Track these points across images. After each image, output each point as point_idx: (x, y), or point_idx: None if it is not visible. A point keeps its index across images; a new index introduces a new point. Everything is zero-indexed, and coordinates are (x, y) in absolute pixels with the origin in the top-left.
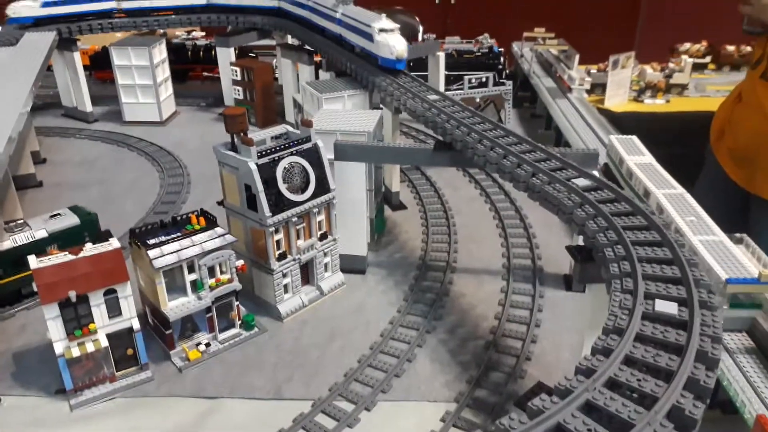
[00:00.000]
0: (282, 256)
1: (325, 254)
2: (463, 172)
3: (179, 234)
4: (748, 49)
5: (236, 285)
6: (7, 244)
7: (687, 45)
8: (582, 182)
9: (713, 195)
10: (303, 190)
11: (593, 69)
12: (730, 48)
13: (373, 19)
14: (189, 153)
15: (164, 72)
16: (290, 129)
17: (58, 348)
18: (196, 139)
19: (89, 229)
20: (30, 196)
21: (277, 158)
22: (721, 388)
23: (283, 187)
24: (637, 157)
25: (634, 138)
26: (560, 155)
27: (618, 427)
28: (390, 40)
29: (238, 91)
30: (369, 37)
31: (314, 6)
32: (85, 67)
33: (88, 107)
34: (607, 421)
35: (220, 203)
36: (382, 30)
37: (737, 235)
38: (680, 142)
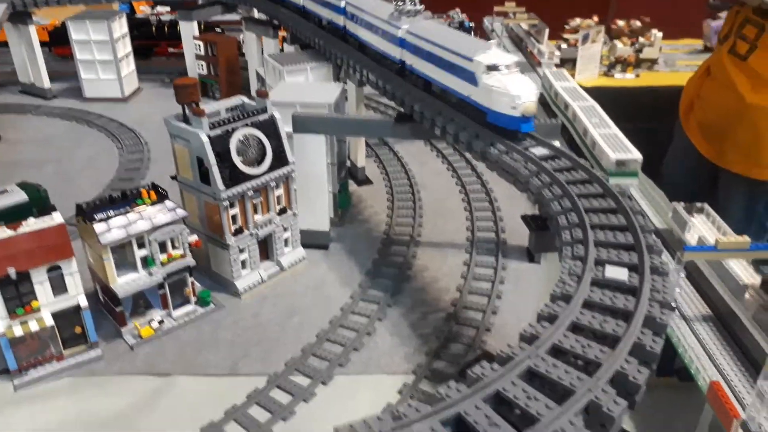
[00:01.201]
0: (238, 231)
1: (285, 229)
2: (431, 146)
3: (128, 209)
4: (638, 24)
5: (189, 261)
6: None
7: (578, 20)
8: (539, 151)
9: (682, 169)
10: (259, 162)
11: (563, 44)
12: (621, 23)
13: (474, 49)
14: (151, 130)
15: (125, 47)
16: (246, 100)
17: None
18: (159, 116)
19: (39, 205)
20: None
21: (230, 130)
22: (676, 357)
23: (237, 159)
24: (563, 83)
25: (564, 70)
26: None
27: (559, 394)
28: (510, 85)
29: (202, 65)
30: (468, 76)
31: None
32: (45, 43)
33: (46, 83)
34: (548, 389)
35: (174, 178)
36: (492, 68)
37: (697, 204)
38: (650, 117)
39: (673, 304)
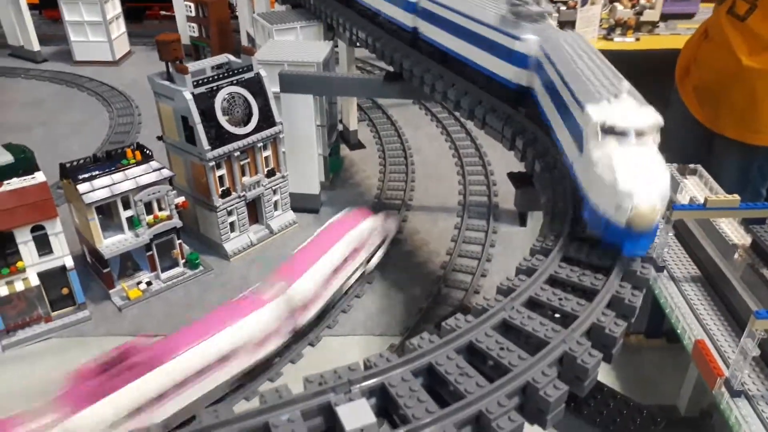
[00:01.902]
0: (225, 193)
1: (274, 192)
2: (425, 110)
3: (112, 169)
4: None
5: (176, 222)
6: None
7: None
8: (527, 111)
9: (678, 134)
10: (245, 122)
11: (562, 6)
12: None
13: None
14: (142, 93)
15: (115, 8)
16: (233, 59)
17: None
18: None
19: (24, 167)
20: None
21: (215, 88)
22: (665, 318)
23: (222, 119)
24: None
25: None
26: None
27: (534, 346)
28: (622, 169)
29: (193, 27)
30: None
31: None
32: (35, 6)
33: (36, 46)
34: (523, 341)
35: (160, 138)
36: (611, 131)
37: (691, 166)
38: (649, 82)
39: (660, 264)
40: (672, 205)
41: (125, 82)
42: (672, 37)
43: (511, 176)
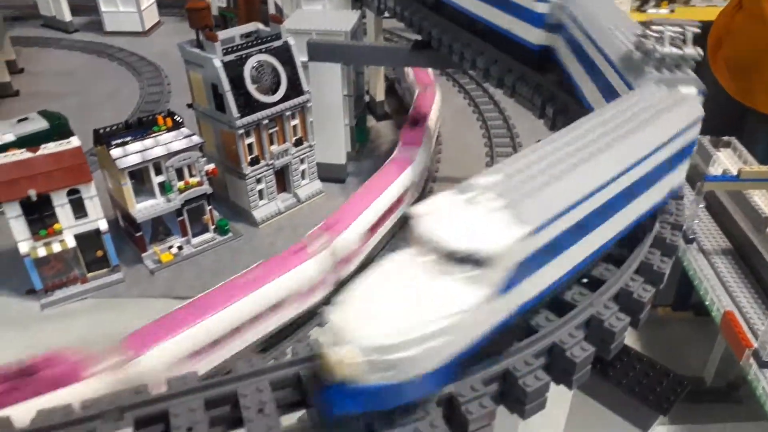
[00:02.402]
0: (254, 161)
1: (302, 161)
2: (453, 81)
3: (144, 135)
4: None
5: (206, 188)
6: None
7: None
8: (554, 77)
9: (708, 107)
10: (274, 91)
11: None
12: None
13: None
14: (171, 63)
15: None
16: (261, 26)
17: (23, 248)
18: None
19: (59, 133)
20: (6, 106)
21: (244, 56)
22: (694, 291)
23: (251, 87)
24: None
25: None
26: None
27: (562, 310)
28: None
29: None
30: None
31: None
32: None
33: (67, 16)
34: (552, 303)
35: (190, 106)
36: None
37: (725, 138)
38: None
39: (690, 236)
40: (704, 177)
41: (154, 52)
42: (708, 9)
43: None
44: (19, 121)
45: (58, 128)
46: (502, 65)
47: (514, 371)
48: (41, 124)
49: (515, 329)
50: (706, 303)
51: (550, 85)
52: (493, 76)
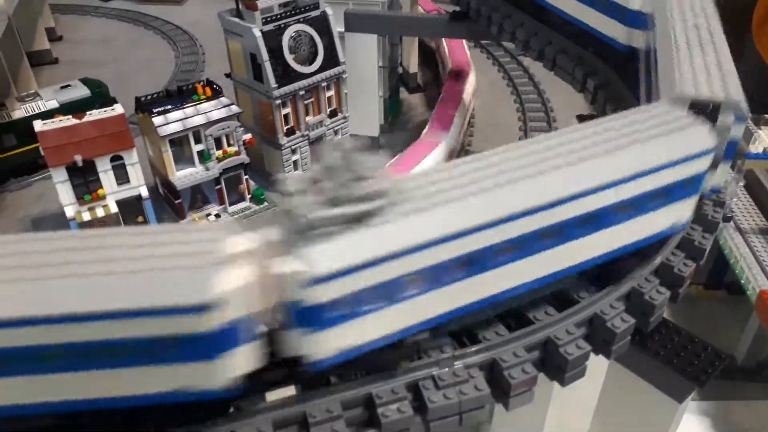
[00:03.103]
0: (290, 132)
1: (336, 132)
2: (487, 54)
3: (185, 103)
4: None
5: (244, 158)
6: (19, 113)
7: None
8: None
9: (749, 87)
10: (311, 61)
11: None
12: None
13: None
14: (205, 32)
15: None
16: None
17: (69, 212)
18: (213, 19)
19: (100, 100)
20: (46, 73)
21: (282, 25)
22: (728, 270)
23: (289, 57)
24: None
25: None
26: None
27: (603, 282)
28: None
29: None
30: None
31: None
32: None
33: None
34: (595, 278)
35: (228, 75)
36: None
37: (766, 116)
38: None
39: (729, 214)
40: (744, 154)
41: (189, 21)
42: None
43: (581, 118)
44: (62, 87)
45: (99, 95)
46: (542, 37)
47: (555, 339)
48: (83, 92)
49: (551, 300)
50: (741, 282)
51: (591, 58)
52: (533, 48)
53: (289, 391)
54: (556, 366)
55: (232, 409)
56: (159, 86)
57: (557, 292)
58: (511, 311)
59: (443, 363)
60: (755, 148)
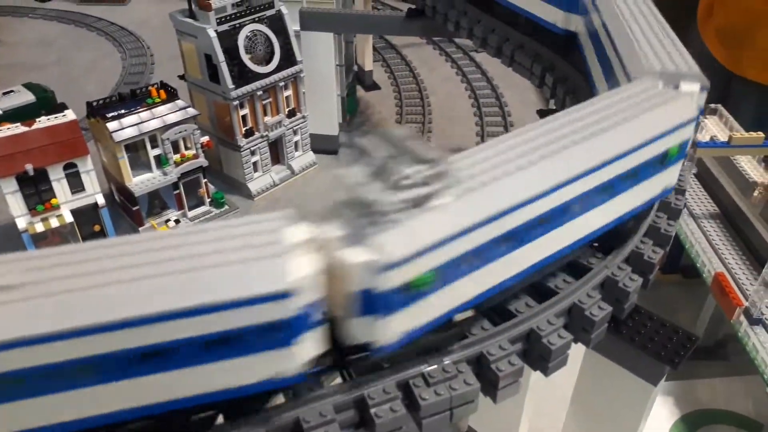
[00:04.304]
0: (249, 133)
1: (295, 132)
2: (440, 50)
3: (139, 107)
4: None
5: (202, 161)
6: None
7: None
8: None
9: None
10: (267, 61)
11: None
12: None
13: None
14: (152, 33)
15: None
16: None
17: (21, 223)
18: (159, 19)
19: (46, 106)
20: None
21: (237, 25)
22: (683, 255)
23: (245, 57)
24: None
25: None
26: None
27: (578, 271)
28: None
29: None
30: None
31: None
32: None
33: None
34: (569, 267)
35: (182, 77)
36: None
37: (711, 105)
38: (666, 20)
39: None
40: (696, 143)
41: (134, 22)
42: None
43: (541, 113)
44: (4, 94)
45: (45, 101)
46: (500, 34)
47: (538, 330)
48: (27, 97)
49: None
50: (697, 265)
51: (548, 53)
52: (491, 45)
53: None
54: (540, 356)
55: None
56: (106, 90)
57: (536, 284)
58: (493, 306)
59: (432, 360)
60: (702, 136)
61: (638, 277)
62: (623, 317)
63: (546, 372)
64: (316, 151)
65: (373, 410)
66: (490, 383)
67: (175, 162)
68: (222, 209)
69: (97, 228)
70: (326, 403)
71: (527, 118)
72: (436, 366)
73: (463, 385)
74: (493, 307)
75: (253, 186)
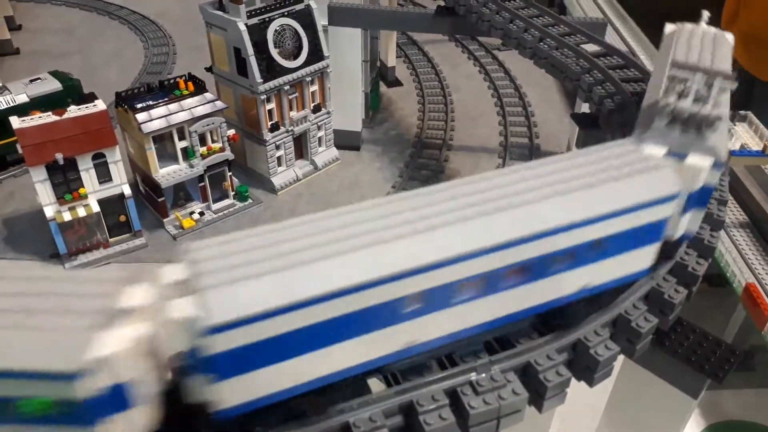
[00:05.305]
0: (274, 127)
1: (319, 128)
2: (462, 48)
3: (167, 99)
4: None
5: (228, 154)
6: None
7: None
8: (591, 48)
9: None
10: (295, 56)
11: None
12: None
13: None
14: (174, 23)
15: None
16: None
17: (49, 212)
18: (180, 8)
19: (72, 95)
20: (8, 64)
21: (267, 19)
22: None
23: (274, 51)
24: None
25: None
26: (570, 21)
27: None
28: None
29: None
30: None
31: None
32: None
33: None
34: None
35: (209, 69)
36: None
37: (741, 112)
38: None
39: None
40: (730, 152)
41: (155, 11)
42: None
43: (575, 117)
44: (32, 81)
45: (71, 89)
46: (536, 34)
47: (585, 341)
48: (54, 85)
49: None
50: (726, 275)
51: (588, 56)
52: (526, 46)
53: None
54: (586, 367)
55: None
56: (129, 79)
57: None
58: (539, 315)
59: (480, 368)
60: (732, 144)
61: (683, 289)
62: (667, 329)
63: (591, 383)
64: (338, 146)
65: (421, 417)
66: (536, 393)
67: (201, 154)
68: (246, 203)
69: (122, 218)
70: (375, 409)
71: (550, 117)
72: (484, 374)
73: (511, 395)
74: (540, 317)
75: (277, 180)
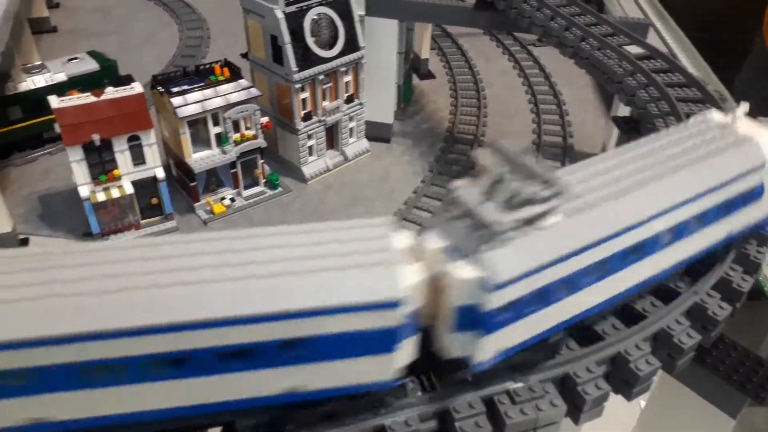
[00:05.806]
0: (307, 117)
1: (351, 119)
2: (497, 42)
3: (203, 84)
4: None
5: (261, 142)
6: (25, 85)
7: None
8: (635, 50)
9: (759, 84)
10: (331, 45)
11: None
12: None
13: None
14: (208, 6)
15: None
16: None
17: (84, 192)
18: None
19: (109, 75)
20: (46, 42)
21: (305, 7)
22: None
23: (310, 40)
24: None
25: None
26: (612, 21)
27: (665, 295)
28: None
29: None
30: None
31: None
32: None
33: None
34: (655, 291)
35: (244, 56)
36: None
37: None
38: (727, 26)
39: None
40: None
41: None
42: None
43: (617, 120)
44: (70, 60)
45: (108, 70)
46: (578, 33)
47: (626, 355)
48: (92, 65)
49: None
50: (764, 288)
51: (632, 58)
52: (567, 45)
53: None
54: (625, 381)
55: None
56: (164, 61)
57: (624, 306)
58: (578, 326)
59: (517, 377)
60: None
61: (728, 306)
62: (708, 345)
63: (629, 397)
64: (369, 138)
65: (458, 424)
66: (574, 405)
67: (234, 141)
68: (276, 191)
69: (154, 201)
70: (412, 413)
71: (585, 118)
72: (522, 384)
73: (549, 406)
74: (579, 327)
75: (307, 170)
